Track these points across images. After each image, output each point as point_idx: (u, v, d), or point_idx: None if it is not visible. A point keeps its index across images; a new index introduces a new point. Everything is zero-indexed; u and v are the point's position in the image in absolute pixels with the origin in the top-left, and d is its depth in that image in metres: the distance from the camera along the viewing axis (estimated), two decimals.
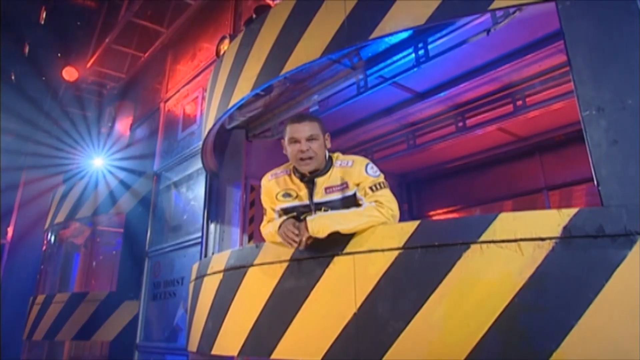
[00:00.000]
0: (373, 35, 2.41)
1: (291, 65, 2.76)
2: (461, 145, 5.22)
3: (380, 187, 2.27)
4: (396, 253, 1.99)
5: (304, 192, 2.37)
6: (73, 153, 8.17)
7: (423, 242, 1.94)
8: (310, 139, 2.28)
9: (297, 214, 2.40)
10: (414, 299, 1.88)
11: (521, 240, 1.72)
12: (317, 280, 2.19)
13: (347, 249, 2.15)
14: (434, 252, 1.90)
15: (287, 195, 2.42)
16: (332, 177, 2.33)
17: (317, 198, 2.33)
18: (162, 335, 5.13)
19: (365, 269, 2.06)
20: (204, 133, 4.00)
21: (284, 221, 2.31)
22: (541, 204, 5.18)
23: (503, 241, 1.75)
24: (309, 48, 2.68)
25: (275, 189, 2.45)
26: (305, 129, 2.29)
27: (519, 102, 4.13)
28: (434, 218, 6.41)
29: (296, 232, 2.21)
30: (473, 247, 1.81)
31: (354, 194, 2.30)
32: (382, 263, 2.02)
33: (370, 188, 2.26)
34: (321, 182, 2.33)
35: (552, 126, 4.90)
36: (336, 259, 2.17)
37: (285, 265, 2.34)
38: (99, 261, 8.16)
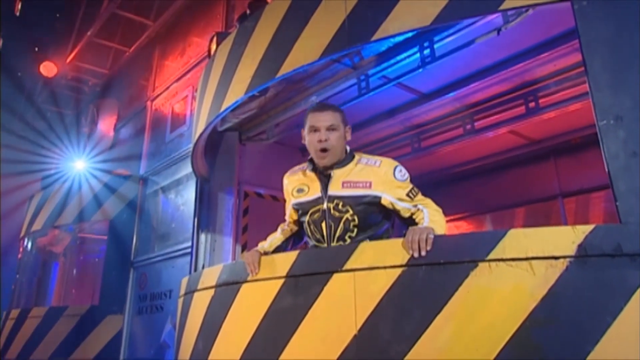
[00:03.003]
0: (375, 37, 2.43)
1: (288, 67, 2.78)
2: (469, 148, 5.23)
3: (415, 193, 2.41)
4: (399, 271, 2.00)
5: (316, 184, 2.43)
6: (52, 155, 8.16)
7: (428, 260, 1.95)
8: (330, 128, 2.36)
9: (304, 211, 2.46)
10: (418, 320, 1.89)
11: (532, 258, 1.73)
12: (315, 299, 2.20)
13: (347, 266, 2.16)
14: (439, 270, 1.91)
15: (300, 190, 2.49)
16: (354, 173, 2.39)
17: (333, 190, 2.38)
18: (148, 352, 5.14)
19: (367, 287, 2.07)
20: (194, 137, 4.02)
21: (250, 251, 2.45)
22: (556, 211, 5.20)
23: (513, 259, 1.76)
24: (307, 49, 2.70)
25: (291, 185, 2.54)
26: (326, 118, 2.37)
27: (532, 104, 4.16)
28: None
29: (254, 264, 2.36)
30: (481, 265, 1.82)
31: (374, 197, 2.34)
32: (384, 281, 2.02)
33: (408, 195, 2.37)
34: (339, 174, 2.39)
35: (568, 128, 4.91)
36: (335, 276, 2.17)
37: (281, 282, 2.35)
38: (79, 272, 8.14)
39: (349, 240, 2.37)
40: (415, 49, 3.26)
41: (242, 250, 4.61)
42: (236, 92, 3.17)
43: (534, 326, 1.68)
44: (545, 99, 4.09)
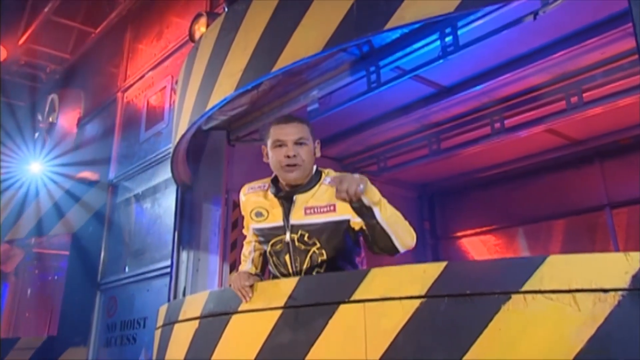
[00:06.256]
0: (389, 25, 2.46)
1: (286, 59, 2.81)
2: (498, 150, 5.28)
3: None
4: (417, 303, 2.01)
5: (277, 210, 2.45)
6: (2, 156, 8.17)
7: (451, 290, 1.96)
8: (298, 142, 2.37)
9: (266, 239, 2.50)
10: None
11: (577, 291, 1.73)
12: (319, 335, 2.21)
13: (356, 295, 2.17)
14: (465, 302, 1.92)
15: (259, 214, 2.52)
16: (317, 196, 2.40)
17: (295, 219, 2.41)
18: None
19: (379, 321, 2.09)
20: (174, 138, 4.05)
21: (237, 274, 2.44)
22: (602, 225, 5.21)
23: (553, 291, 1.77)
24: (309, 39, 2.73)
25: (250, 206, 2.57)
26: (293, 131, 2.38)
27: (574, 98, 4.19)
28: (463, 240, 6.46)
29: (247, 283, 2.35)
30: (514, 297, 1.83)
31: (342, 222, 2.36)
32: (399, 315, 2.04)
33: None
34: (302, 199, 2.41)
35: (616, 127, 4.95)
36: (342, 307, 2.19)
37: (278, 313, 2.36)
38: (35, 295, 8.15)
39: None
40: (435, 36, 3.28)
41: (231, 271, 4.62)
42: (225, 87, 3.20)
43: None
44: (590, 93, 4.12)
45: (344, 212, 2.35)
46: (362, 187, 2.12)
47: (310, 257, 2.42)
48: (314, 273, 2.42)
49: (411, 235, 2.36)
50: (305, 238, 2.40)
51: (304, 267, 2.44)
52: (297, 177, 2.38)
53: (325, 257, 2.40)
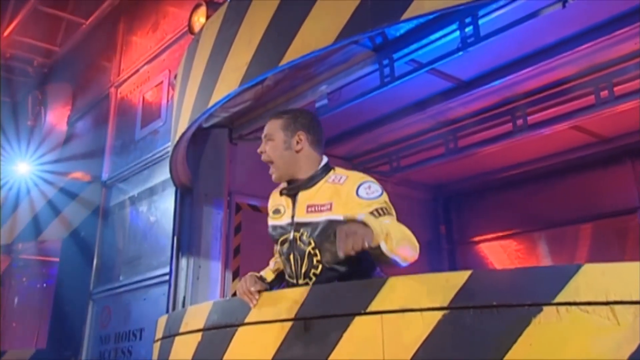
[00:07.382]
0: (407, 15, 2.45)
1: (294, 52, 2.81)
2: (520, 148, 5.27)
3: (384, 212, 2.31)
4: (440, 315, 2.00)
5: (289, 208, 2.54)
6: None
7: (476, 301, 1.94)
8: (267, 138, 2.53)
9: (275, 239, 2.60)
10: None
11: (615, 303, 1.71)
12: (332, 349, 2.20)
13: (373, 307, 2.17)
14: (492, 315, 1.91)
15: (276, 211, 2.61)
16: (320, 194, 2.47)
17: (298, 216, 2.49)
18: None
19: (398, 335, 2.08)
20: (174, 137, 4.05)
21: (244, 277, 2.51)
22: (634, 230, 5.19)
23: (589, 303, 1.75)
24: (319, 30, 2.72)
25: (271, 205, 2.67)
26: (265, 128, 2.56)
27: (604, 93, 4.18)
28: (482, 245, 6.44)
29: (254, 288, 2.41)
30: (546, 310, 1.81)
31: (335, 222, 2.35)
32: (420, 328, 2.03)
33: (372, 213, 2.27)
34: (305, 196, 2.49)
35: None
36: (357, 319, 2.18)
37: (288, 325, 2.36)
38: (21, 305, 8.16)
39: (313, 279, 2.45)
40: (454, 26, 3.26)
41: (234, 279, 4.63)
42: (228, 83, 3.20)
43: None
44: (621, 86, 4.11)
45: (339, 212, 2.37)
46: (369, 241, 2.00)
47: (307, 257, 2.46)
48: (310, 274, 2.46)
49: (415, 250, 2.26)
50: (304, 237, 2.45)
51: (303, 268, 2.48)
52: (276, 178, 2.52)
53: (319, 257, 2.43)
